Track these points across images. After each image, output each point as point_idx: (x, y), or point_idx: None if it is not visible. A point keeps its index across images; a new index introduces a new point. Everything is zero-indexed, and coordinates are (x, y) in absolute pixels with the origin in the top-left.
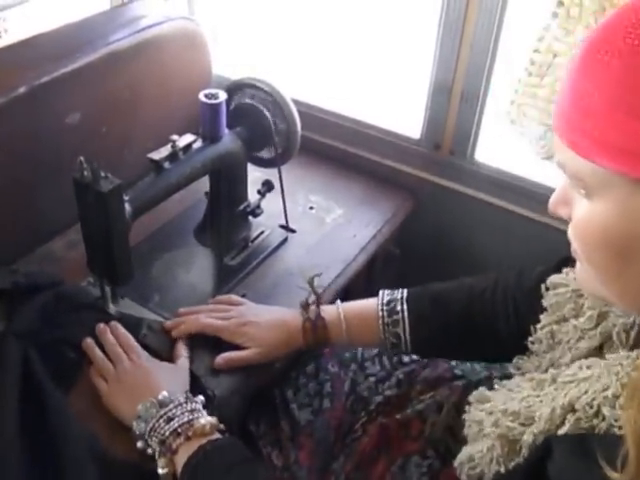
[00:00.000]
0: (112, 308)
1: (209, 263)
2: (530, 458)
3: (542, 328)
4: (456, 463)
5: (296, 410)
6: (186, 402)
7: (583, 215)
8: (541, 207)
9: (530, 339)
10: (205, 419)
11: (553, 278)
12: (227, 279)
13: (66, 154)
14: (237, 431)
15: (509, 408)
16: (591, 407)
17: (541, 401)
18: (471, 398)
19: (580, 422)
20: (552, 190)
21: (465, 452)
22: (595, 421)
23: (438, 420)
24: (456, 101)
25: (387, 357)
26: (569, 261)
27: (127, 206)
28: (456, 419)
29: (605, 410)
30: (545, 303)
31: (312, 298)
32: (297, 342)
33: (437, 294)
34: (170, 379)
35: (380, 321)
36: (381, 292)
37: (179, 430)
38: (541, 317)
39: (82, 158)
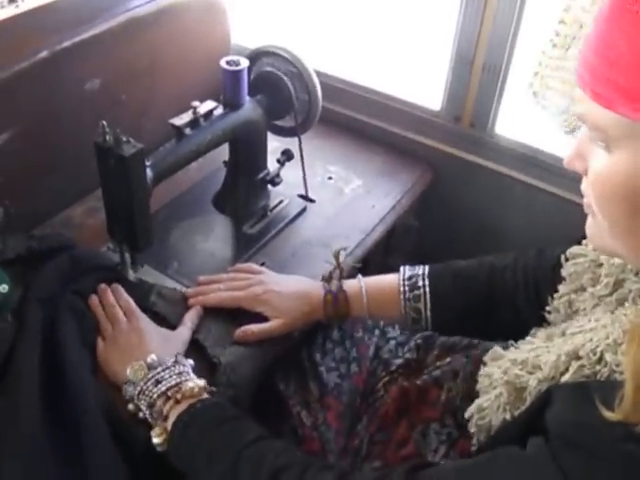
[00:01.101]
0: (131, 274)
1: (228, 231)
2: (532, 406)
3: (560, 297)
4: (467, 414)
5: (324, 373)
6: (174, 365)
7: (602, 167)
8: (561, 181)
9: (547, 309)
10: (193, 382)
11: (572, 249)
12: (246, 247)
13: (85, 121)
14: (248, 400)
15: (518, 358)
16: (594, 354)
17: (549, 351)
18: (486, 357)
19: (583, 369)
20: None
21: (475, 403)
22: (597, 367)
23: (454, 387)
24: (477, 73)
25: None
26: None
27: (148, 171)
28: (473, 387)
29: (607, 356)
30: (564, 273)
31: (335, 271)
32: (318, 314)
33: (458, 272)
34: (162, 344)
35: (401, 296)
36: (402, 268)
37: (168, 394)
38: (559, 287)
39: (104, 122)
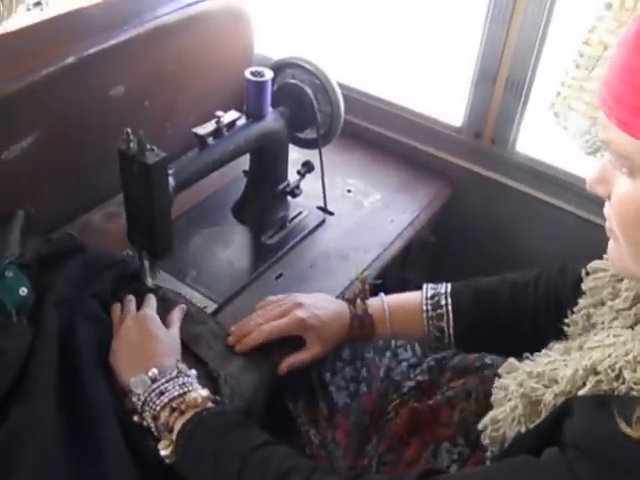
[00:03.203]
0: (149, 281)
1: (246, 241)
2: (548, 418)
3: (579, 311)
4: (480, 426)
5: (334, 392)
6: (177, 376)
7: (626, 193)
8: (581, 200)
9: (566, 321)
10: (196, 392)
11: (594, 263)
12: (264, 257)
13: (109, 126)
14: (261, 410)
15: (534, 370)
16: (613, 370)
17: (566, 365)
18: (501, 370)
19: (601, 384)
20: None
21: (490, 415)
22: (615, 384)
23: (467, 407)
24: (500, 89)
25: (419, 344)
26: None
27: (171, 180)
28: (485, 407)
29: (626, 373)
30: (584, 287)
31: (359, 294)
32: (347, 337)
33: (480, 289)
34: (167, 348)
35: (424, 315)
36: (425, 286)
37: (173, 405)
38: (579, 301)
39: (129, 129)
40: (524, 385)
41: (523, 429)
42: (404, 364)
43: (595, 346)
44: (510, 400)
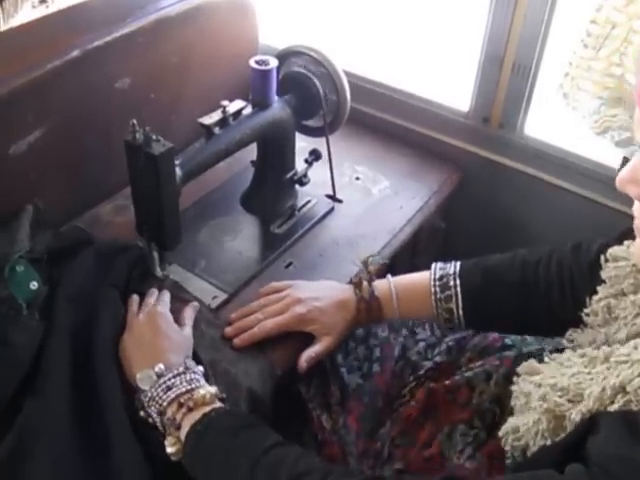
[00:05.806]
0: (159, 272)
1: (255, 231)
2: (574, 432)
3: (599, 301)
4: (501, 433)
5: (346, 374)
6: (185, 372)
7: None
8: (591, 183)
9: (585, 311)
10: (204, 389)
11: (614, 250)
12: (273, 247)
13: (115, 119)
14: (267, 402)
15: (558, 383)
16: None
17: (592, 379)
18: (520, 370)
19: (630, 404)
20: (602, 166)
21: (511, 422)
22: None
23: (486, 389)
24: (507, 73)
25: (437, 324)
26: (631, 233)
27: (178, 170)
28: (504, 390)
29: None
30: (604, 275)
31: (364, 275)
32: (355, 321)
33: (490, 268)
34: (176, 345)
35: (433, 297)
36: (433, 266)
37: (180, 400)
38: (598, 289)
39: (134, 121)
40: (548, 399)
41: (548, 443)
42: (422, 344)
43: (622, 361)
44: (531, 410)
